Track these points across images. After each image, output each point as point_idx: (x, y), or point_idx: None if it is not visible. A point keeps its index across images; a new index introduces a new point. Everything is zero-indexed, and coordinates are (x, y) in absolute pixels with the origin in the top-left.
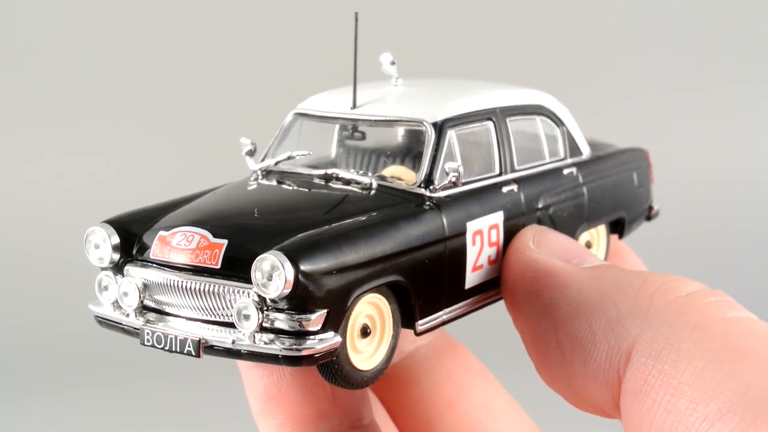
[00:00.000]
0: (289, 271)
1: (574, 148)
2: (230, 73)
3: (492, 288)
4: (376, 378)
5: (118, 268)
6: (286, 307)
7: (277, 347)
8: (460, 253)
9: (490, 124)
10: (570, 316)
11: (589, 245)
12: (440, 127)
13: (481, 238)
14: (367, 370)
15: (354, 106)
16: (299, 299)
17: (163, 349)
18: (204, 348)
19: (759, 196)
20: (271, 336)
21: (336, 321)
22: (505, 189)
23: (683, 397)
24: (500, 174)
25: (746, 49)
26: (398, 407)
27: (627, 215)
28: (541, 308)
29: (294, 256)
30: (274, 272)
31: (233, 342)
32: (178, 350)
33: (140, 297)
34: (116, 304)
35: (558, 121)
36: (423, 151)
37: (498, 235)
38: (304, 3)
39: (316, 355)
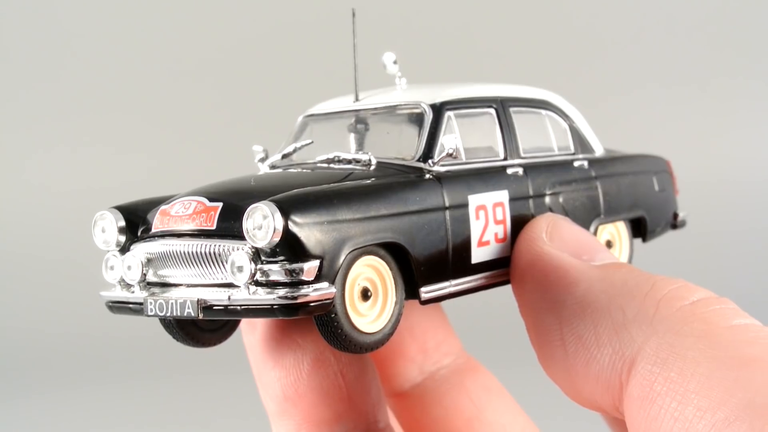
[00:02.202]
0: (278, 219)
1: (584, 145)
2: (238, 78)
3: (500, 267)
4: (380, 344)
5: (124, 251)
6: (278, 258)
7: (272, 297)
8: (463, 225)
9: (492, 111)
10: (576, 316)
11: (609, 245)
12: (438, 108)
13: (486, 213)
14: (371, 333)
15: (356, 99)
16: (290, 249)
17: (165, 315)
18: (203, 308)
19: (760, 195)
20: (267, 289)
21: (330, 274)
22: (510, 171)
23: (690, 405)
24: (505, 159)
25: (748, 43)
26: (417, 426)
27: (647, 216)
28: (548, 303)
29: (284, 205)
30: (264, 221)
31: (229, 297)
32: (179, 313)
33: (143, 270)
34: (123, 284)
35: (566, 118)
36: (421, 129)
37: (504, 214)
38: (315, 9)
39: (312, 304)
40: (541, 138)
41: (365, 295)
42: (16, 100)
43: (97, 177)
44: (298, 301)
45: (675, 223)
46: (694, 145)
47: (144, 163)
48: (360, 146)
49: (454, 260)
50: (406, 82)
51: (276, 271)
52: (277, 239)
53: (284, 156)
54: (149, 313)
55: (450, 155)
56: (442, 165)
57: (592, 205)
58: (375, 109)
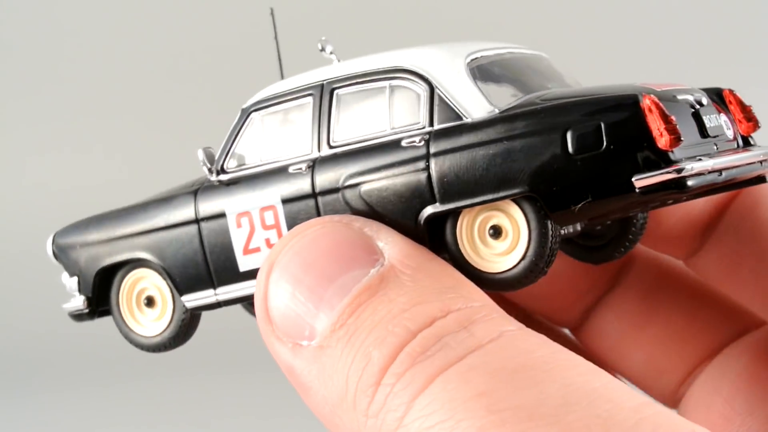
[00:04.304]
0: (49, 244)
1: (446, 111)
2: (229, 77)
3: None
4: (167, 346)
5: None
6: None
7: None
8: (221, 235)
9: (309, 99)
10: (327, 422)
11: (498, 230)
12: (247, 113)
13: (250, 220)
14: (151, 336)
15: None
16: (64, 268)
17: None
18: (69, 314)
19: None
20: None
21: (86, 287)
22: (292, 169)
23: None
24: (312, 152)
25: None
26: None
27: (544, 192)
28: (310, 406)
29: (56, 234)
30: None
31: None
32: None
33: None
34: None
35: (426, 83)
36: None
37: (276, 217)
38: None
39: (75, 314)
40: (373, 118)
41: (150, 302)
42: (12, 103)
43: (97, 175)
44: (68, 312)
45: (637, 187)
46: None
47: (137, 162)
48: None
49: (216, 270)
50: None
51: (66, 286)
52: (54, 261)
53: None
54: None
55: (206, 166)
56: (220, 174)
57: (414, 191)
58: None
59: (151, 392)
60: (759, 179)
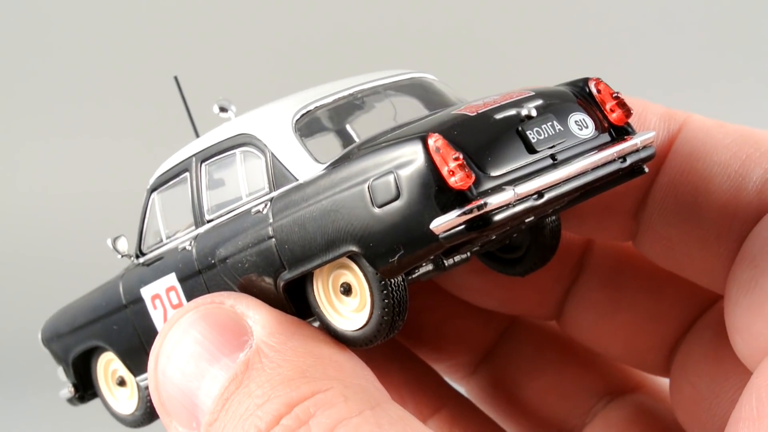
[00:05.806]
0: (39, 339)
1: (282, 175)
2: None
3: None
4: (141, 422)
5: None
6: None
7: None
8: (145, 318)
9: (186, 176)
10: None
11: (348, 288)
12: (149, 193)
13: (161, 302)
14: (128, 414)
15: None
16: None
17: None
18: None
19: None
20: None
21: (69, 375)
22: (180, 247)
23: None
24: (196, 228)
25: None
26: None
27: (362, 249)
28: None
29: (41, 328)
30: None
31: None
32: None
33: None
34: None
35: (263, 148)
36: None
37: (179, 296)
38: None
39: (67, 400)
40: (233, 188)
41: (122, 382)
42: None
43: (95, 171)
44: (63, 398)
45: (438, 233)
46: None
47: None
48: None
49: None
50: None
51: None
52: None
53: None
54: None
55: (119, 255)
56: (140, 257)
57: (268, 261)
58: None
59: None
60: (635, 171)
